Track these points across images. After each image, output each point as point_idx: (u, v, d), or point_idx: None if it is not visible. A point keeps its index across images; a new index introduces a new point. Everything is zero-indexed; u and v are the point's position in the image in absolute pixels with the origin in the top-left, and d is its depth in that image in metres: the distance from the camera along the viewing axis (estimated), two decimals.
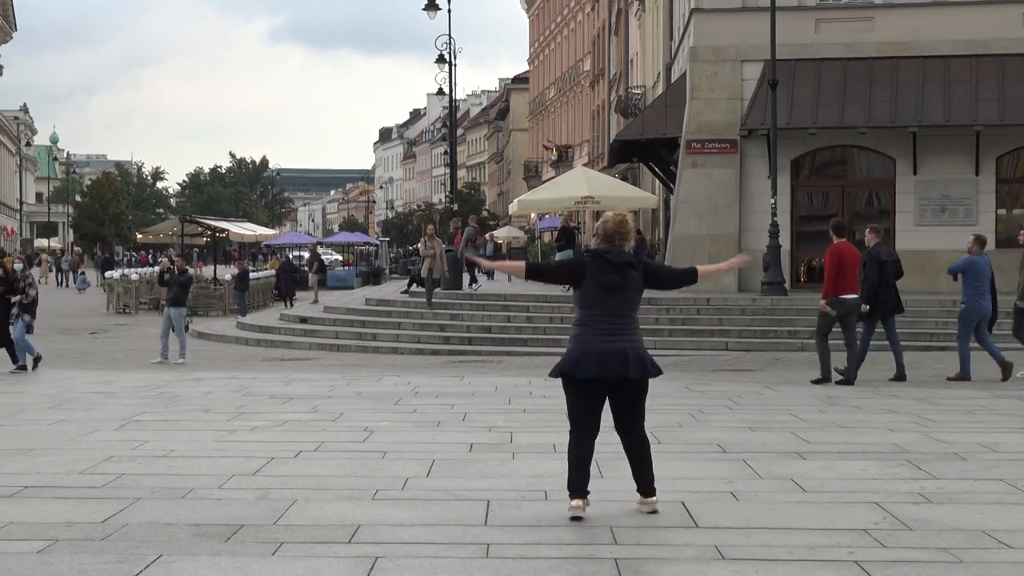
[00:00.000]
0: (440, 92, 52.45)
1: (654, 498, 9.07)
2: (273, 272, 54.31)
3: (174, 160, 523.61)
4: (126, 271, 53.06)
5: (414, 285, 37.78)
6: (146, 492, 9.88)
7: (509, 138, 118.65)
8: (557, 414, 14.88)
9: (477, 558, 7.84)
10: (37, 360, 21.88)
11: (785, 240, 31.93)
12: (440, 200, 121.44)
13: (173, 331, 25.06)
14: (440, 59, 46.61)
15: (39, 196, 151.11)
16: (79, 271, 69.58)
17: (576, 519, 8.76)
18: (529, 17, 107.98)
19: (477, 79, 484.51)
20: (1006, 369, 19.00)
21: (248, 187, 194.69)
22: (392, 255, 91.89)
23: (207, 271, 55.29)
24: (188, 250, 63.93)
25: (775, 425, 13.93)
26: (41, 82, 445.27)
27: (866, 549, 8.03)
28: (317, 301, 42.54)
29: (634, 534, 8.43)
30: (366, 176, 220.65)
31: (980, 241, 19.65)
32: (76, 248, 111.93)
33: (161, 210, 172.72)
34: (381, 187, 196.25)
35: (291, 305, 43.17)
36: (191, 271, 32.60)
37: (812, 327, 21.67)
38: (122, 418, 14.62)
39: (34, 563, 7.70)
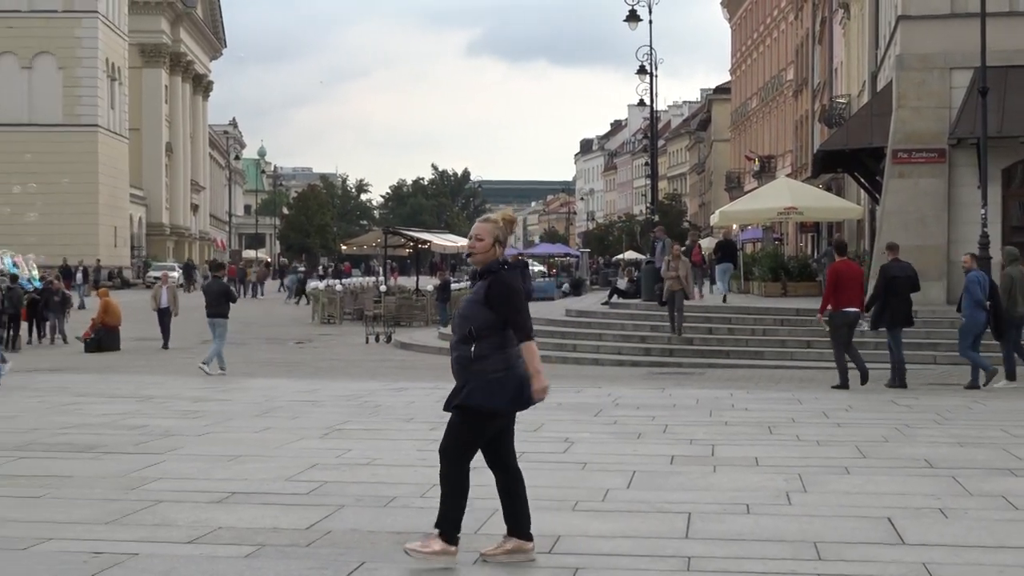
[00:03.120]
0: (641, 103, 52.39)
1: (532, 544, 8.13)
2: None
3: (377, 172, 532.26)
4: (317, 284, 54.30)
5: (615, 296, 37.84)
6: (350, 500, 10.02)
7: (711, 149, 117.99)
8: (759, 427, 14.76)
9: (678, 571, 7.78)
10: None
11: (996, 252, 31.11)
12: (641, 211, 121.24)
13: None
14: (641, 70, 46.48)
15: (247, 208, 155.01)
16: (282, 282, 71.43)
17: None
18: (731, 27, 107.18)
19: (675, 90, 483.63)
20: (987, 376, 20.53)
21: (450, 199, 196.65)
22: (593, 266, 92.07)
23: (407, 281, 55.99)
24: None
25: (985, 441, 13.59)
26: (248, 96, 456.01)
27: None
28: None
29: (838, 550, 8.28)
30: (567, 187, 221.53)
31: (976, 257, 21.74)
32: (283, 259, 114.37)
33: (365, 222, 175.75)
34: (582, 198, 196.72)
35: None
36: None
37: None
38: (327, 426, 14.87)
39: (241, 567, 7.86)
